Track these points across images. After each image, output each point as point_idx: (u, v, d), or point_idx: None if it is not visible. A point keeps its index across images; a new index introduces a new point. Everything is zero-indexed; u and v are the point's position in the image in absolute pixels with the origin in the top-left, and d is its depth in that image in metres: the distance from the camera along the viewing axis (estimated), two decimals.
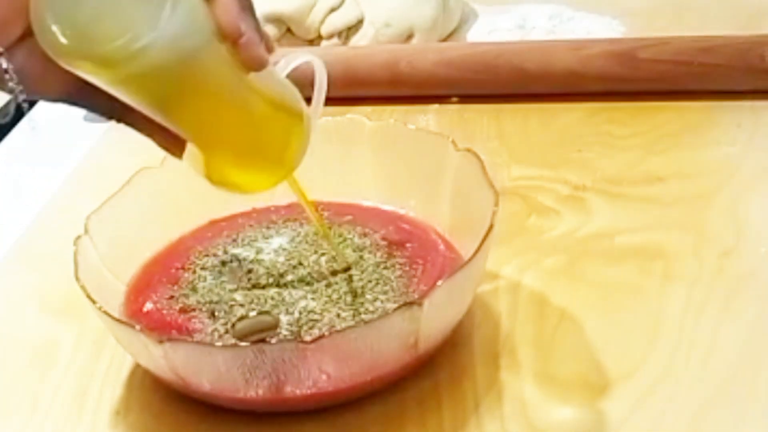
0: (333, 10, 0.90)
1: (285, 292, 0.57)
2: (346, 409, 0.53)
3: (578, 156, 0.74)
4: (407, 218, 0.64)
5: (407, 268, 0.59)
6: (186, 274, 0.61)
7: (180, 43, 0.44)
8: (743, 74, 0.78)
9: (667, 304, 0.59)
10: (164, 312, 0.58)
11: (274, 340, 0.54)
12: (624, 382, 0.54)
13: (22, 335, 0.63)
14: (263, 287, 0.58)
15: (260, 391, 0.51)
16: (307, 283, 0.58)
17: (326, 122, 0.67)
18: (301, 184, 0.55)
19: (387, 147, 0.65)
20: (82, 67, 0.44)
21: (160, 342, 0.50)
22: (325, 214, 0.63)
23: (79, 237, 0.57)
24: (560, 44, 0.83)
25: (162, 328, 0.56)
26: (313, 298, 0.57)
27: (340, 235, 0.62)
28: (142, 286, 0.60)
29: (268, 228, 0.64)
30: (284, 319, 0.55)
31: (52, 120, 0.90)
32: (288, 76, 0.53)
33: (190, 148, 0.49)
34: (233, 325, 0.55)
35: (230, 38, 0.45)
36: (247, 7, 0.47)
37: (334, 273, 0.59)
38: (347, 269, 0.59)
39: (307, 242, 0.61)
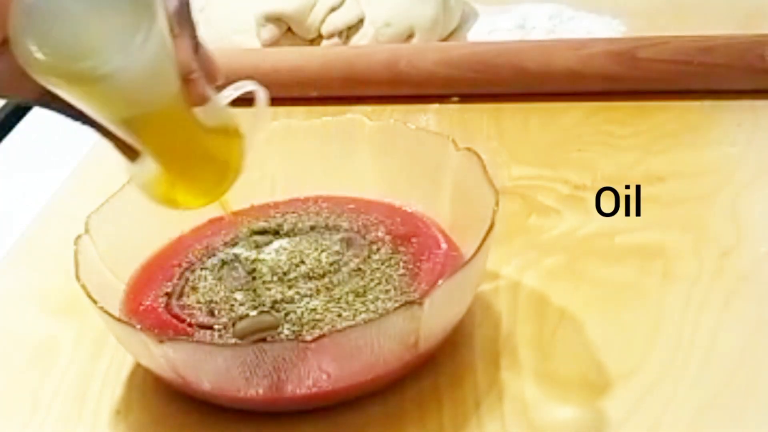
0: (333, 9, 0.90)
1: (286, 291, 0.57)
2: (347, 409, 0.53)
3: (578, 156, 0.74)
4: (409, 214, 0.64)
5: (410, 266, 0.59)
6: (186, 273, 0.61)
7: (146, 72, 0.47)
8: (743, 74, 0.78)
9: (667, 304, 0.59)
10: (164, 311, 0.58)
11: (274, 340, 0.54)
12: (624, 382, 0.54)
13: (22, 335, 0.63)
14: (264, 286, 0.58)
15: (261, 391, 0.51)
16: (309, 282, 0.58)
17: (326, 122, 0.67)
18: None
19: (387, 146, 0.65)
20: (50, 82, 0.46)
21: (161, 341, 0.50)
22: (324, 205, 0.64)
23: (79, 236, 0.57)
24: (560, 44, 0.83)
25: (162, 328, 0.56)
26: (314, 297, 0.57)
27: (338, 230, 0.62)
28: (142, 285, 0.60)
29: (267, 227, 0.64)
30: (285, 318, 0.55)
31: (52, 120, 0.90)
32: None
33: (140, 163, 0.52)
34: (234, 325, 0.55)
35: (183, 75, 0.49)
36: (198, 45, 0.51)
37: (336, 271, 0.59)
38: (348, 267, 0.59)
39: (308, 240, 0.61)
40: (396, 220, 0.63)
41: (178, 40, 0.48)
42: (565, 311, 0.59)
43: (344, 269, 0.59)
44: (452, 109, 0.82)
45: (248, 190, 0.66)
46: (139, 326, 0.52)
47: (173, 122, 0.51)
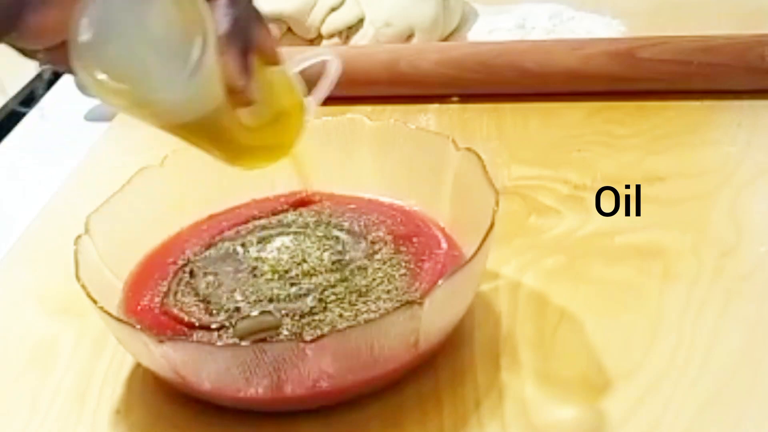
0: (333, 9, 0.90)
1: (287, 290, 0.57)
2: (347, 409, 0.53)
3: (578, 156, 0.74)
4: (410, 214, 0.64)
5: (411, 266, 0.59)
6: (184, 272, 0.60)
7: (192, 94, 0.48)
8: (743, 74, 0.78)
9: (667, 303, 0.59)
10: (164, 311, 0.58)
11: (274, 340, 0.54)
12: (624, 382, 0.54)
13: (22, 335, 0.63)
14: (265, 285, 0.58)
15: (261, 391, 0.51)
16: (310, 281, 0.58)
17: (326, 122, 0.67)
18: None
19: (387, 146, 0.65)
20: (99, 94, 0.48)
21: (161, 341, 0.50)
22: (326, 204, 0.64)
23: (79, 236, 0.57)
24: (560, 44, 0.83)
25: (161, 327, 0.56)
26: (315, 297, 0.56)
27: (339, 229, 0.62)
28: (141, 285, 0.60)
29: (269, 226, 0.64)
30: (285, 317, 0.55)
31: (52, 120, 0.90)
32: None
33: None
34: (234, 325, 0.55)
35: (229, 88, 0.50)
36: (249, 50, 0.51)
37: (337, 270, 0.58)
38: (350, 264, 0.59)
39: (310, 239, 0.61)
40: (396, 220, 0.63)
41: (226, 59, 0.49)
42: (565, 311, 0.59)
43: (346, 268, 0.59)
44: (452, 109, 0.82)
45: (249, 190, 0.66)
46: (139, 326, 0.52)
47: (216, 128, 0.52)
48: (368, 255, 0.60)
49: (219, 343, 0.54)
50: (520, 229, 0.67)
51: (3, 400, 0.58)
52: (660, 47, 0.79)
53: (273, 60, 0.53)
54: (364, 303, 0.56)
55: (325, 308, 0.56)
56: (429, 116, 0.82)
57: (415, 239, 0.61)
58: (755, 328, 0.57)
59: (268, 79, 0.53)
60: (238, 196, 0.66)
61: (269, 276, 0.59)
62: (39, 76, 0.97)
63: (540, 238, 0.66)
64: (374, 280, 0.58)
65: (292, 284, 0.58)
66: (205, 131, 0.52)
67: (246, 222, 0.64)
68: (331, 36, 0.90)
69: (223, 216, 0.65)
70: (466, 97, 0.83)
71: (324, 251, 0.60)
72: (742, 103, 0.78)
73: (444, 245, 0.61)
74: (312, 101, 0.58)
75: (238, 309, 0.57)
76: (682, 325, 0.57)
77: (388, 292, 0.57)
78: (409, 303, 0.50)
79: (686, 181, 0.70)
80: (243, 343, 0.54)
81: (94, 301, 0.52)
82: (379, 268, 0.59)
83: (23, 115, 0.91)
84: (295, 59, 0.56)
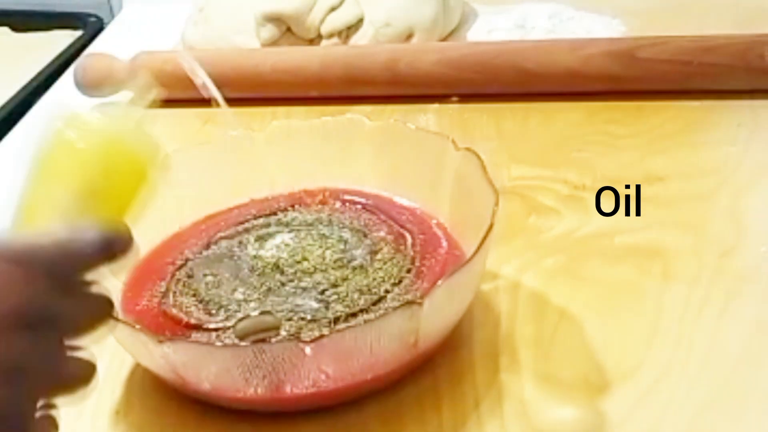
0: (333, 9, 0.90)
1: (288, 291, 0.57)
2: (346, 409, 0.53)
3: (578, 156, 0.74)
4: (410, 213, 0.64)
5: (412, 265, 0.59)
6: (184, 272, 0.60)
7: None
8: (743, 74, 0.78)
9: (666, 304, 0.59)
10: (163, 311, 0.58)
11: (273, 340, 0.54)
12: (624, 382, 0.54)
13: None
14: (265, 285, 0.58)
15: (260, 391, 0.51)
16: (311, 280, 0.58)
17: (326, 122, 0.67)
18: None
19: (387, 146, 0.65)
20: None
21: (160, 342, 0.50)
22: (327, 203, 0.65)
23: None
24: (560, 44, 0.83)
25: (161, 327, 0.56)
26: (316, 296, 0.56)
27: (340, 228, 0.62)
28: (140, 285, 0.60)
29: (268, 225, 0.64)
30: (286, 317, 0.55)
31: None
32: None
33: None
34: (234, 325, 0.55)
35: None
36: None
37: (338, 269, 0.58)
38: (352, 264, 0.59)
39: (311, 237, 0.61)
40: (397, 219, 0.63)
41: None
42: (565, 311, 0.59)
43: (347, 267, 0.59)
44: (452, 109, 0.82)
45: (248, 190, 0.66)
46: (138, 326, 0.52)
47: None
48: (369, 254, 0.60)
49: (219, 344, 0.54)
50: (520, 229, 0.67)
51: None
52: (660, 47, 0.79)
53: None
54: (366, 302, 0.56)
55: (326, 308, 0.56)
56: (429, 116, 0.82)
57: (415, 239, 0.61)
58: (755, 328, 0.57)
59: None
60: (237, 197, 0.66)
61: (269, 275, 0.58)
62: (38, 75, 0.97)
63: (540, 238, 0.66)
64: (375, 279, 0.58)
65: (292, 283, 0.58)
66: None
67: (245, 222, 0.64)
68: (330, 36, 0.90)
69: (222, 216, 0.65)
70: (466, 97, 0.83)
71: (325, 250, 0.60)
72: (742, 103, 0.78)
73: (445, 244, 0.61)
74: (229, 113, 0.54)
75: (237, 309, 0.57)
76: (682, 325, 0.57)
77: (389, 291, 0.57)
78: (409, 303, 0.50)
79: (686, 181, 0.70)
80: (243, 343, 0.54)
81: None
82: (380, 268, 0.59)
83: (23, 114, 0.91)
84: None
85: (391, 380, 0.54)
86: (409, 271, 0.59)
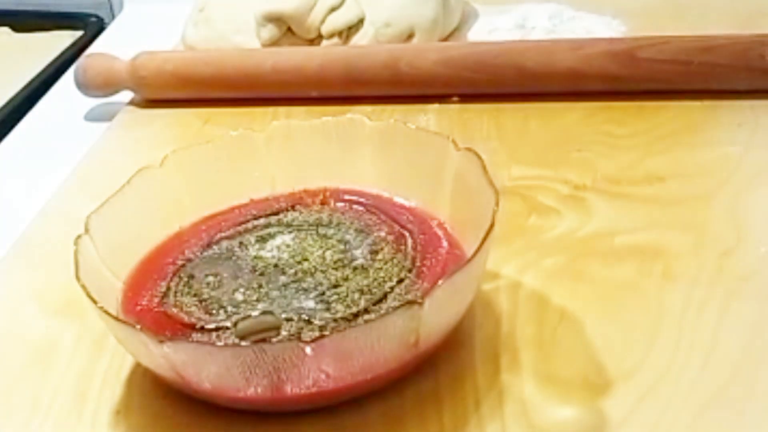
0: (333, 9, 0.90)
1: (288, 289, 0.57)
2: (346, 409, 0.53)
3: (578, 156, 0.74)
4: (410, 213, 0.64)
5: (413, 265, 0.59)
6: (185, 273, 0.60)
7: None
8: (743, 74, 0.78)
9: (667, 304, 0.59)
10: (163, 311, 0.58)
11: (274, 340, 0.54)
12: (624, 382, 0.54)
13: (22, 335, 0.63)
14: (266, 286, 0.58)
15: (261, 391, 0.51)
16: (311, 280, 0.58)
17: (326, 122, 0.67)
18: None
19: (387, 146, 0.65)
20: None
21: (161, 341, 0.50)
22: (328, 202, 0.65)
23: (79, 236, 0.57)
24: (560, 44, 0.83)
25: (161, 327, 0.56)
26: (316, 296, 0.56)
27: (340, 228, 0.62)
28: (141, 285, 0.60)
29: (269, 225, 0.64)
30: (286, 318, 0.55)
31: (52, 120, 0.90)
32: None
33: None
34: (235, 325, 0.55)
35: None
36: None
37: (339, 269, 0.58)
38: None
39: (311, 238, 0.61)
40: (397, 219, 0.63)
41: None
42: (565, 311, 0.59)
43: (347, 268, 0.59)
44: (452, 109, 0.82)
45: (248, 190, 0.66)
46: (139, 326, 0.52)
47: None
48: (369, 254, 0.60)
49: (219, 343, 0.54)
50: (520, 229, 0.67)
51: (3, 400, 0.58)
52: (660, 47, 0.79)
53: None
54: (366, 302, 0.56)
55: (326, 308, 0.56)
56: (429, 116, 0.82)
57: (416, 239, 0.61)
58: (755, 328, 0.57)
59: None
60: (237, 197, 0.66)
61: (270, 275, 0.59)
62: (39, 75, 0.97)
63: (540, 238, 0.66)
64: (375, 279, 0.58)
65: (292, 283, 0.58)
66: None
67: (245, 222, 0.64)
68: (331, 36, 0.90)
69: (222, 216, 0.65)
70: (466, 97, 0.83)
71: (325, 250, 0.60)
72: (742, 103, 0.78)
73: (445, 244, 0.61)
74: None
75: (238, 309, 0.57)
76: (682, 325, 0.57)
77: (390, 291, 0.57)
78: (409, 303, 0.50)
79: (686, 181, 0.70)
80: (243, 343, 0.54)
81: (94, 301, 0.52)
82: (381, 268, 0.59)
83: (23, 115, 0.91)
84: None
85: (392, 380, 0.54)
86: (409, 271, 0.59)
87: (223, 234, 0.63)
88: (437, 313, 0.51)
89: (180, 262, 0.62)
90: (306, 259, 0.59)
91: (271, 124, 0.67)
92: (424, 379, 0.55)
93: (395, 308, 0.51)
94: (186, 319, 0.57)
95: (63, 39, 1.06)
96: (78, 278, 0.54)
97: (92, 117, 0.88)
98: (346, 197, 0.65)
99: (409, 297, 0.56)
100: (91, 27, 1.08)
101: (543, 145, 0.76)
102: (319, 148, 0.66)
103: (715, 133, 0.76)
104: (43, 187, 0.78)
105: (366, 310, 0.56)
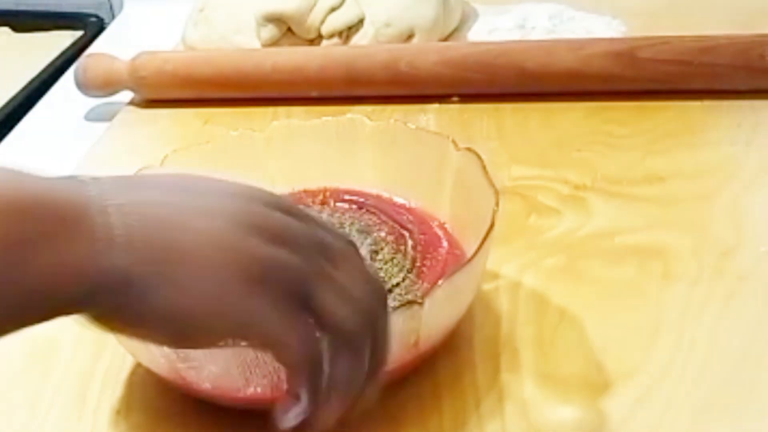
0: (333, 9, 0.90)
1: None
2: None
3: (578, 156, 0.74)
4: (410, 213, 0.64)
5: (413, 265, 0.59)
6: None
7: None
8: (743, 74, 0.78)
9: (667, 304, 0.59)
10: None
11: None
12: (624, 382, 0.54)
13: (22, 335, 0.63)
14: None
15: (261, 390, 0.51)
16: None
17: (326, 122, 0.67)
18: None
19: (387, 146, 0.65)
20: None
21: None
22: (328, 203, 0.65)
23: None
24: (560, 44, 0.83)
25: None
26: None
27: (341, 226, 0.62)
28: None
29: None
30: None
31: (52, 120, 0.90)
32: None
33: None
34: None
35: None
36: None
37: None
38: None
39: None
40: (397, 219, 0.63)
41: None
42: (565, 311, 0.59)
43: None
44: (452, 109, 0.82)
45: None
46: None
47: None
48: (370, 254, 0.60)
49: (219, 343, 0.54)
50: (520, 229, 0.67)
51: (3, 400, 0.58)
52: (660, 47, 0.79)
53: None
54: None
55: None
56: (429, 116, 0.82)
57: (416, 239, 0.61)
58: (755, 328, 0.57)
59: None
60: None
61: None
62: (39, 75, 0.97)
63: (540, 238, 0.66)
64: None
65: None
66: None
67: None
68: (331, 36, 0.90)
69: None
70: (466, 97, 0.83)
71: None
72: (742, 103, 0.78)
73: (445, 244, 0.61)
74: None
75: None
76: (682, 325, 0.57)
77: (390, 291, 0.57)
78: (409, 303, 0.50)
79: (686, 181, 0.70)
80: (243, 343, 0.54)
81: None
82: (381, 268, 0.59)
83: (23, 115, 0.91)
84: None
85: (392, 380, 0.54)
86: (409, 271, 0.59)
87: None
88: (437, 313, 0.51)
89: None
90: None
91: (271, 124, 0.67)
92: (424, 379, 0.55)
93: (396, 308, 0.51)
94: None
95: (63, 39, 1.06)
96: None
97: (92, 117, 0.88)
98: (346, 197, 0.65)
99: (409, 297, 0.56)
100: (91, 27, 1.08)
101: (543, 145, 0.76)
102: (319, 148, 0.66)
103: (715, 133, 0.76)
104: None
105: None
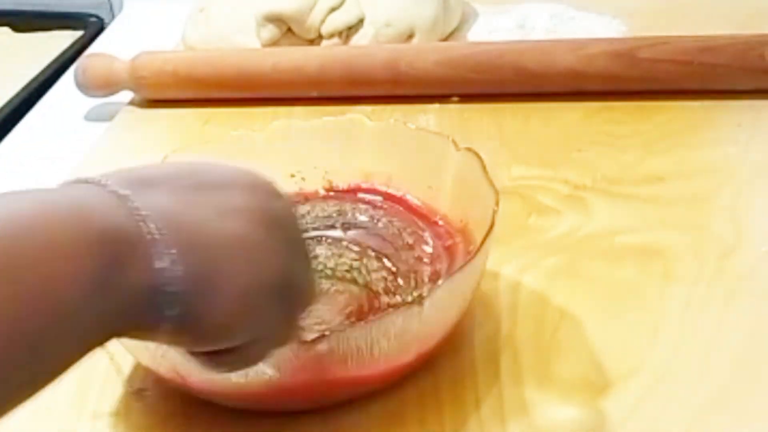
0: (333, 9, 0.90)
1: None
2: (346, 409, 0.53)
3: (578, 156, 0.74)
4: (410, 213, 0.64)
5: (413, 265, 0.59)
6: None
7: None
8: (743, 74, 0.78)
9: (667, 304, 0.59)
10: None
11: None
12: (624, 382, 0.54)
13: None
14: None
15: (261, 390, 0.51)
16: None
17: (326, 122, 0.67)
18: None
19: (387, 146, 0.65)
20: None
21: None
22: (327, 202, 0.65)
23: None
24: (561, 44, 0.83)
25: None
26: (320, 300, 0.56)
27: (341, 226, 0.62)
28: None
29: None
30: None
31: (52, 120, 0.90)
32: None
33: None
34: None
35: None
36: None
37: (337, 269, 0.58)
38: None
39: (316, 240, 0.61)
40: (397, 219, 0.63)
41: None
42: (565, 311, 0.59)
43: (346, 267, 0.59)
44: (452, 109, 0.82)
45: None
46: None
47: None
48: (370, 254, 0.60)
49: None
50: (520, 229, 0.67)
51: None
52: (660, 47, 0.79)
53: None
54: (367, 302, 0.56)
55: (328, 309, 0.56)
56: (429, 116, 0.82)
57: (415, 239, 0.61)
58: (755, 328, 0.57)
59: None
60: None
61: None
62: (39, 75, 0.97)
63: (540, 238, 0.66)
64: (378, 279, 0.58)
65: None
66: None
67: None
68: (331, 36, 0.90)
69: None
70: (466, 97, 0.83)
71: (325, 250, 0.60)
72: (742, 103, 0.78)
73: (445, 244, 0.61)
74: None
75: None
76: (683, 325, 0.57)
77: (391, 291, 0.57)
78: (409, 303, 0.50)
79: (686, 181, 0.70)
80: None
81: None
82: (385, 267, 0.59)
83: (23, 114, 0.91)
84: None
85: (392, 380, 0.54)
86: (410, 271, 0.59)
87: None
88: (437, 313, 0.51)
89: None
90: None
91: (271, 124, 0.67)
92: (424, 379, 0.55)
93: (395, 308, 0.51)
94: None
95: (63, 39, 1.06)
96: None
97: (92, 117, 0.88)
98: (346, 197, 0.65)
99: (409, 297, 0.56)
100: (91, 27, 1.08)
101: (543, 145, 0.76)
102: (319, 148, 0.66)
103: (715, 133, 0.76)
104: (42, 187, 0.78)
105: (365, 310, 0.55)
